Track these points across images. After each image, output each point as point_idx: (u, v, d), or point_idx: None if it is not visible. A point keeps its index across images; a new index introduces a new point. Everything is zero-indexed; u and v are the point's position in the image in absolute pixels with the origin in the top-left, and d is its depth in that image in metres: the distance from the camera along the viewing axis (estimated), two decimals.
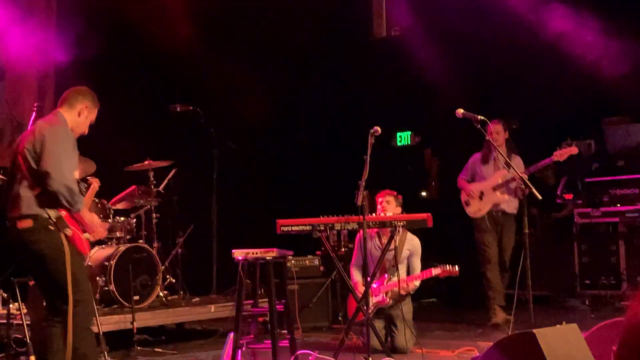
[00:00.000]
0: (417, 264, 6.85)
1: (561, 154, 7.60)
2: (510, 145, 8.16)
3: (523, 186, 5.52)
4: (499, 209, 8.04)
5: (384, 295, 6.71)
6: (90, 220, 5.01)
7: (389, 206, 6.81)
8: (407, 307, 6.82)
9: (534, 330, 4.83)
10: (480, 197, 8.05)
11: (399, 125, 11.01)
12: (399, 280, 6.39)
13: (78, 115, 5.01)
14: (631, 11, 9.15)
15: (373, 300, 6.55)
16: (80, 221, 4.94)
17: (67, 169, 4.78)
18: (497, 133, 7.98)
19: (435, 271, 6.63)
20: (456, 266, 6.74)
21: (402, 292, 6.54)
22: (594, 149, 9.71)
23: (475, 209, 8.06)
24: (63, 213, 4.82)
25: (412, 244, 6.90)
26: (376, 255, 6.56)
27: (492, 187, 7.98)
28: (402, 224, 5.91)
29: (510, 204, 8.05)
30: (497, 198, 7.98)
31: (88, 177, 6.05)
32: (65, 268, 4.78)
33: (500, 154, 6.95)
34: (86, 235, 5.05)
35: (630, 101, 9.60)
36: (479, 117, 5.74)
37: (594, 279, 9.12)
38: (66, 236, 4.82)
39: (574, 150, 7.69)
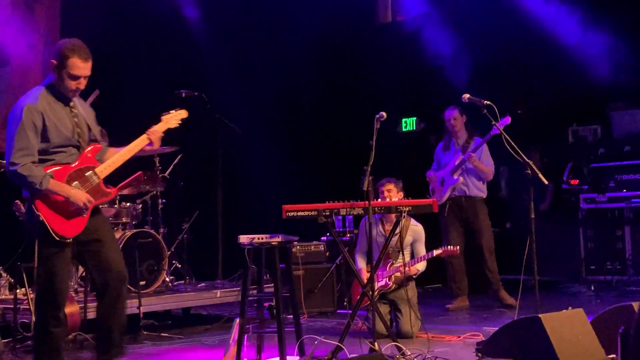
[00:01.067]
0: (421, 250, 6.87)
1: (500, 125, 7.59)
2: (470, 129, 8.20)
3: (529, 171, 5.49)
4: (458, 194, 8.12)
5: (387, 279, 6.73)
6: (67, 193, 4.72)
7: (391, 194, 6.84)
8: (412, 292, 6.83)
9: (540, 315, 4.84)
10: (442, 184, 8.16)
11: (405, 111, 10.99)
12: (403, 264, 6.40)
13: (55, 73, 4.78)
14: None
15: (376, 285, 6.57)
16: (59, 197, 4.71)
17: (17, 150, 4.63)
18: (454, 119, 8.15)
19: (437, 252, 6.70)
20: (457, 247, 6.81)
21: (406, 275, 6.56)
22: (600, 134, 9.69)
23: (439, 195, 8.14)
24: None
25: (415, 230, 6.92)
26: (380, 242, 6.56)
27: (450, 171, 8.10)
28: (407, 209, 5.90)
29: (471, 187, 8.13)
30: (453, 180, 8.09)
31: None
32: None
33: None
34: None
35: (636, 86, 9.58)
36: (485, 101, 5.71)
37: (600, 265, 9.12)
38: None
39: (506, 120, 7.54)
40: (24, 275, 6.32)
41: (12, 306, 6.37)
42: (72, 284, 7.38)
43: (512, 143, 5.53)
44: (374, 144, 5.66)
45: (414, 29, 10.16)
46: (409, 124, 11.28)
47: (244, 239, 5.65)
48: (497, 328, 5.12)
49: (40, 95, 4.78)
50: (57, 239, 4.67)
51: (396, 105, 10.27)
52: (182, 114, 5.30)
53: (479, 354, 5.06)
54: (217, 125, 8.64)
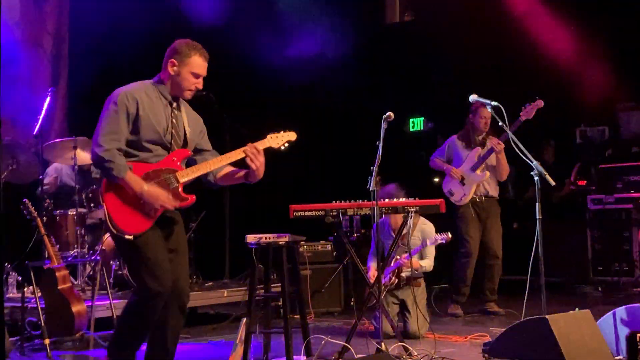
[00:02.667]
0: (430, 249, 6.86)
1: (527, 112, 7.53)
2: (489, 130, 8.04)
3: (536, 172, 5.47)
4: (482, 193, 7.85)
5: (391, 275, 6.71)
6: (140, 188, 4.51)
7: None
8: (421, 293, 6.83)
9: (547, 316, 4.84)
10: (462, 182, 7.84)
11: (412, 111, 10.99)
12: (411, 261, 6.39)
13: (171, 72, 4.68)
14: None
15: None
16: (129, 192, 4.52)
17: (106, 133, 4.48)
18: (485, 119, 7.87)
19: (429, 241, 6.70)
20: (449, 233, 6.71)
21: (408, 273, 6.55)
22: (608, 135, 9.67)
23: (460, 194, 7.84)
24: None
25: (424, 229, 6.91)
26: (390, 244, 6.57)
27: (470, 167, 7.84)
28: (415, 209, 5.90)
29: (492, 185, 7.90)
30: (478, 176, 7.79)
31: None
32: None
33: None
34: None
35: None
36: (492, 102, 5.69)
37: (607, 266, 9.11)
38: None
39: (539, 103, 7.51)
40: (32, 273, 6.34)
41: (20, 305, 6.40)
42: (78, 282, 7.41)
43: (519, 144, 5.51)
44: (381, 145, 5.66)
45: (420, 29, 10.15)
46: (416, 124, 11.28)
47: (251, 238, 5.67)
48: (504, 329, 5.12)
49: (143, 87, 4.68)
50: (115, 232, 4.52)
51: (404, 105, 10.27)
52: (291, 135, 5.10)
53: (486, 355, 5.05)
54: (224, 125, 8.66)
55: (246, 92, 9.88)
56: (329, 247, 8.51)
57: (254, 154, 4.82)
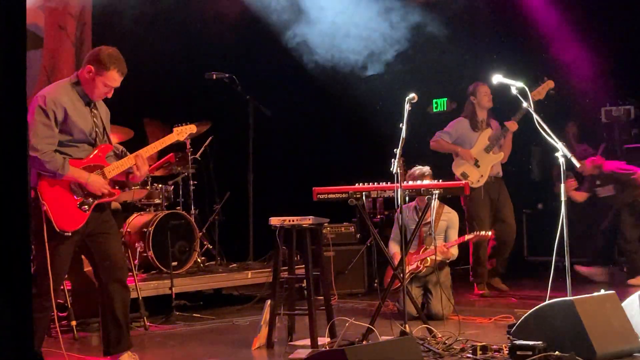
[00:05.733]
0: (453, 236, 6.87)
1: (539, 92, 7.47)
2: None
3: (562, 154, 5.42)
4: (494, 174, 7.86)
5: (418, 263, 6.73)
6: (85, 178, 4.87)
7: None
8: (445, 275, 6.84)
9: (573, 299, 4.82)
10: (477, 164, 7.84)
11: (435, 91, 10.91)
12: (435, 249, 6.39)
13: (86, 77, 4.93)
14: None
15: (408, 268, 6.58)
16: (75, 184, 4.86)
17: (41, 137, 4.76)
18: (488, 95, 7.89)
19: (468, 237, 6.76)
20: (489, 232, 6.82)
21: (439, 258, 6.56)
22: (634, 115, 9.56)
23: (477, 176, 7.81)
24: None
25: (449, 216, 6.93)
26: (413, 227, 6.58)
27: (484, 149, 7.82)
28: (438, 191, 5.88)
29: (500, 166, 7.95)
30: (494, 158, 7.81)
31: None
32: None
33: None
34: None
35: None
36: (517, 83, 5.65)
37: (633, 247, 9.00)
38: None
39: (550, 84, 7.48)
40: None
41: None
42: None
43: (544, 125, 5.46)
44: (404, 127, 5.64)
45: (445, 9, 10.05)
46: (439, 104, 11.20)
47: (274, 220, 5.68)
48: (527, 311, 5.10)
49: (65, 90, 4.94)
50: (58, 231, 4.77)
51: (427, 85, 10.20)
52: (192, 128, 5.45)
53: (510, 337, 5.05)
54: (248, 107, 8.67)
55: (269, 73, 9.85)
56: (352, 229, 8.53)
57: (139, 165, 5.04)
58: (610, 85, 9.46)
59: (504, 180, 8.08)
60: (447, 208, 6.92)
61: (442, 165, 7.88)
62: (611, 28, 9.50)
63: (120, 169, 5.04)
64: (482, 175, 7.82)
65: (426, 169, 6.85)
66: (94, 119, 5.01)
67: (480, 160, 7.84)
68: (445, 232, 6.90)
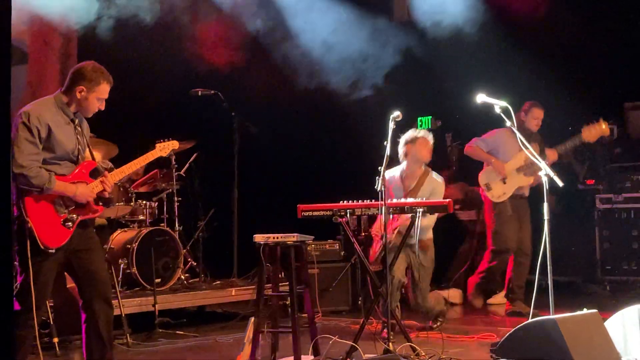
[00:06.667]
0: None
1: (590, 133, 7.44)
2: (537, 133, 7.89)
3: (545, 172, 5.46)
4: (520, 193, 7.71)
5: (393, 231, 6.70)
6: (73, 191, 4.88)
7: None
8: (430, 260, 6.92)
9: (556, 317, 4.84)
10: (504, 180, 7.68)
11: (420, 109, 10.96)
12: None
13: (78, 97, 4.95)
14: None
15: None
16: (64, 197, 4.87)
17: (26, 154, 4.76)
18: (540, 119, 7.75)
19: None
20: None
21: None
22: (617, 134, 9.63)
23: (500, 192, 7.68)
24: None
25: (435, 184, 6.90)
26: (399, 195, 6.68)
27: (516, 168, 7.66)
28: (422, 209, 5.91)
29: (528, 188, 7.79)
30: (523, 181, 7.63)
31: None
32: None
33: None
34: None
35: None
36: (501, 102, 5.68)
37: (616, 265, 9.08)
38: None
39: (605, 131, 7.44)
40: None
41: None
42: None
43: (528, 145, 5.50)
44: (388, 145, 5.66)
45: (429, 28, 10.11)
46: (424, 122, 11.24)
47: (259, 237, 5.68)
48: (511, 329, 5.11)
49: (47, 108, 4.94)
50: (42, 247, 4.76)
51: (412, 103, 10.24)
52: (174, 144, 5.52)
53: (494, 355, 5.05)
54: (233, 124, 8.68)
55: (255, 91, 9.87)
56: (336, 246, 8.52)
57: (106, 183, 5.04)
58: (594, 104, 9.53)
59: (527, 203, 7.90)
60: (434, 174, 6.92)
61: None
62: (592, 48, 9.60)
63: (98, 189, 5.03)
64: (504, 193, 7.65)
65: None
66: (78, 136, 5.01)
67: (509, 178, 7.67)
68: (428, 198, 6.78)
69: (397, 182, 6.94)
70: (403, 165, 7.00)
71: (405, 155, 6.93)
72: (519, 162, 7.69)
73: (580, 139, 7.56)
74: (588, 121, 7.65)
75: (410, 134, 6.96)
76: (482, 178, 7.85)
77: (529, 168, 7.58)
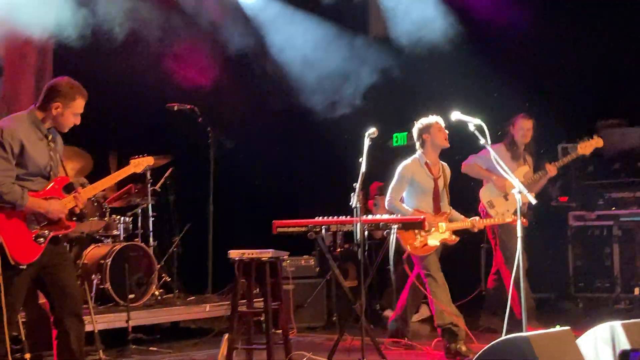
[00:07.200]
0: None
1: (586, 147, 7.49)
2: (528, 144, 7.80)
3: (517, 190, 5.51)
4: (522, 211, 7.50)
5: (451, 234, 6.70)
6: (46, 208, 4.87)
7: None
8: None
9: (528, 334, 4.85)
10: (506, 197, 7.54)
11: (396, 125, 11.01)
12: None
13: (54, 113, 4.96)
14: None
15: (437, 236, 6.62)
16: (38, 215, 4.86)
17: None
18: (528, 130, 7.69)
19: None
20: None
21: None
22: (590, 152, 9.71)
23: (503, 209, 7.46)
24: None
25: (447, 170, 6.98)
26: (429, 185, 6.72)
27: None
28: (397, 226, 5.93)
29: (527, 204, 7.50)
30: (524, 196, 7.49)
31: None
32: None
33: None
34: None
35: (626, 104, 9.65)
36: (475, 120, 5.72)
37: (588, 282, 9.15)
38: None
39: (599, 142, 7.47)
40: None
41: None
42: None
43: (502, 163, 5.55)
44: (364, 161, 5.69)
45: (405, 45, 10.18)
46: (400, 138, 11.29)
47: (233, 253, 5.68)
48: (484, 346, 5.13)
49: (21, 124, 4.93)
50: (13, 263, 4.74)
51: (388, 120, 10.29)
52: (149, 160, 5.56)
53: None
54: (209, 139, 8.67)
55: (231, 106, 9.88)
56: (312, 262, 8.52)
57: (79, 199, 5.05)
58: (567, 122, 9.63)
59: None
60: (444, 164, 6.97)
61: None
62: (566, 66, 9.71)
63: (70, 205, 5.02)
64: (507, 210, 7.47)
65: None
66: (51, 152, 5.01)
67: (510, 195, 7.26)
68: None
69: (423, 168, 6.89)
70: (420, 154, 6.88)
71: (423, 144, 6.88)
72: (518, 177, 7.55)
73: (577, 153, 7.58)
74: (563, 140, 7.65)
75: (423, 121, 6.88)
76: (484, 195, 7.70)
77: (530, 183, 7.51)
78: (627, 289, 8.85)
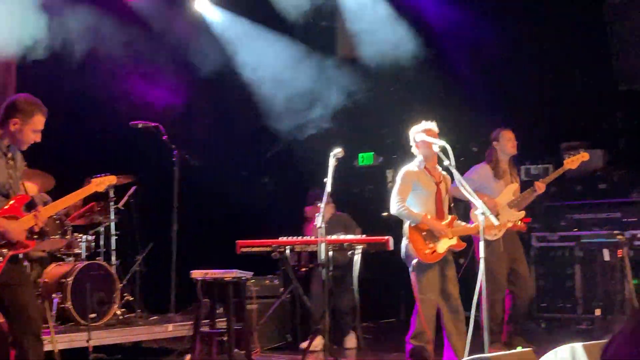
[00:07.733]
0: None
1: (573, 161, 7.52)
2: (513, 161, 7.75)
3: (481, 211, 5.54)
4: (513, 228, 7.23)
5: (458, 238, 6.58)
6: (3, 226, 4.83)
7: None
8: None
9: (490, 355, 4.88)
10: (496, 216, 7.16)
11: (361, 145, 11.05)
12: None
13: (12, 129, 4.92)
14: None
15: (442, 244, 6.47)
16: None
17: None
18: (512, 141, 7.60)
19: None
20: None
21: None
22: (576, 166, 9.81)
23: (495, 230, 7.17)
24: None
25: (448, 181, 6.77)
26: (431, 190, 6.54)
27: (507, 203, 7.44)
28: (362, 246, 5.94)
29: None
30: (514, 215, 7.36)
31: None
32: None
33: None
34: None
35: (588, 126, 9.79)
36: (439, 142, 5.76)
37: (551, 303, 9.22)
38: None
39: (584, 156, 7.50)
40: None
41: None
42: None
43: (467, 186, 5.59)
44: (329, 181, 5.70)
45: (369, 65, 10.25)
46: (365, 158, 11.33)
47: (196, 274, 5.64)
48: None
49: None
50: None
51: (353, 139, 10.33)
52: (111, 179, 5.56)
53: None
54: (173, 157, 8.62)
55: (196, 125, 9.86)
56: (276, 282, 8.49)
57: (38, 217, 4.99)
58: (530, 145, 9.74)
59: (518, 235, 7.70)
60: (445, 174, 6.68)
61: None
62: (530, 89, 9.84)
63: (29, 223, 4.96)
64: (500, 230, 7.26)
65: None
66: (9, 170, 4.95)
67: (501, 213, 7.37)
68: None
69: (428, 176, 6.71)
70: (419, 161, 6.64)
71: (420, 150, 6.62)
72: (508, 195, 7.52)
73: (564, 168, 7.61)
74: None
75: (417, 128, 6.60)
76: (475, 216, 7.32)
77: (519, 201, 7.49)
78: (589, 309, 8.90)
